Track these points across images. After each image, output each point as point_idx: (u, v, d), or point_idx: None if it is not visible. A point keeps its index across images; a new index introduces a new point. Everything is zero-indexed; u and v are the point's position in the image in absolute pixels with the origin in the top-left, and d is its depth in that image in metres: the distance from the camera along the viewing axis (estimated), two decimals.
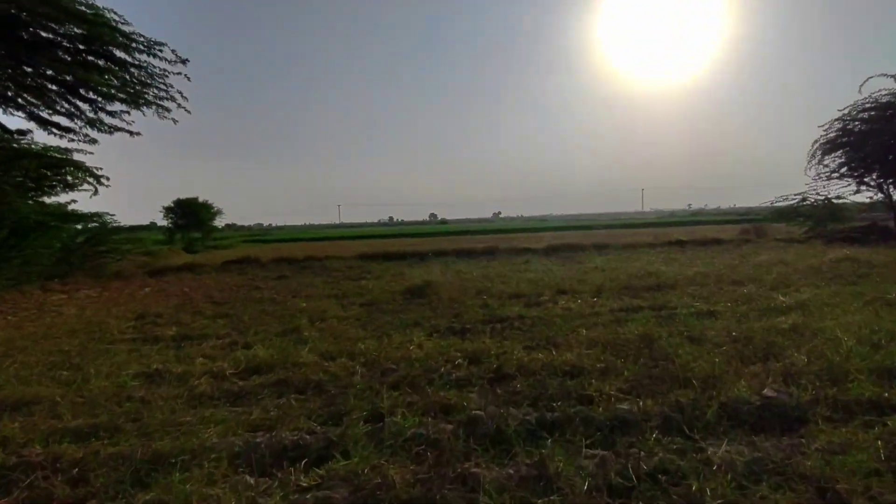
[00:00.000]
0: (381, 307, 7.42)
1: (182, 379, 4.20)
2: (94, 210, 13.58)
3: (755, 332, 4.82)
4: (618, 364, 4.11)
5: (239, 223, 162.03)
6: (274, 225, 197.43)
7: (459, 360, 4.41)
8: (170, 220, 51.92)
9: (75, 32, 8.42)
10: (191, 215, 51.28)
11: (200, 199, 53.03)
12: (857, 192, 18.97)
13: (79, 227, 12.99)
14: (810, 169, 19.98)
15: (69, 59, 8.63)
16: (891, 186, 18.53)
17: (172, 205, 51.85)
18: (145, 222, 51.80)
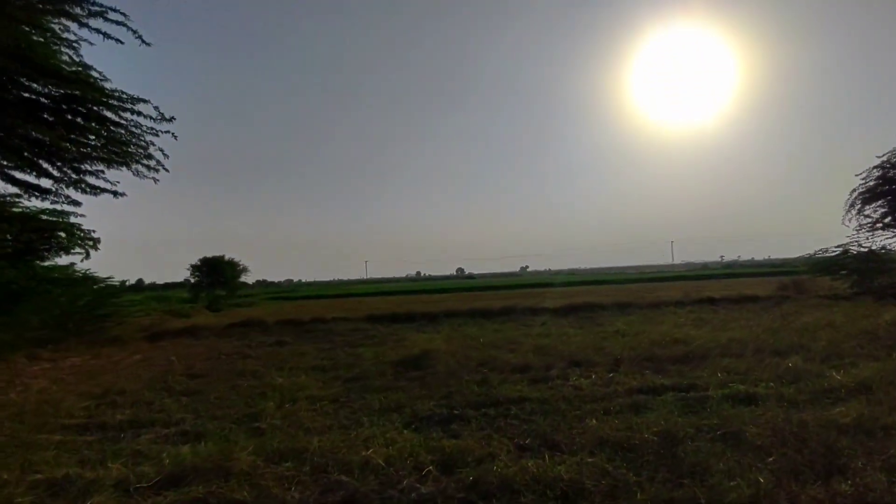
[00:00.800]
0: (366, 383, 6.56)
1: (83, 494, 3.40)
2: (111, 271, 13.26)
3: (809, 430, 3.80)
4: (629, 479, 3.16)
5: (269, 279, 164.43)
6: (304, 280, 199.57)
7: (430, 468, 3.51)
8: (196, 278, 52.82)
9: (53, 91, 8.27)
10: (217, 273, 52.00)
11: (227, 257, 54.06)
12: None
13: (79, 289, 12.61)
14: (850, 220, 18.70)
15: (49, 118, 8.44)
16: None
17: (199, 262, 53.01)
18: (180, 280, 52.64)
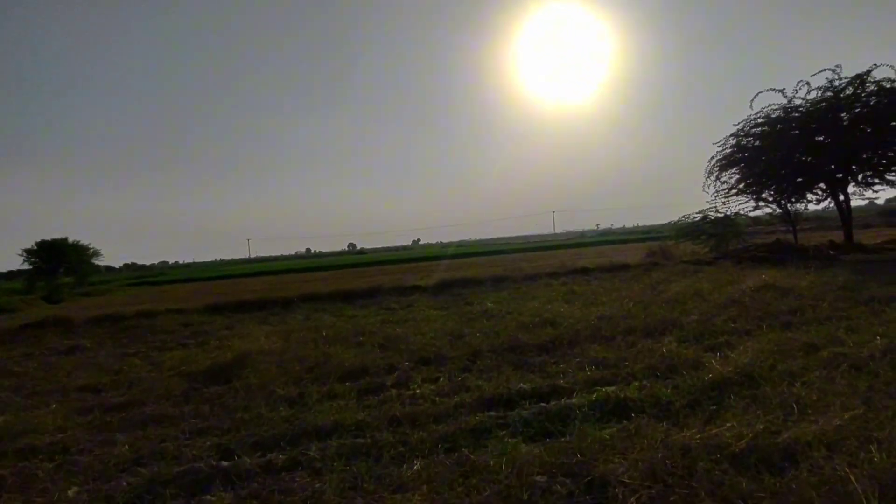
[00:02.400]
0: (136, 412, 4.73)
1: None
2: None
3: (695, 464, 2.73)
4: None
5: (141, 262, 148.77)
6: (181, 262, 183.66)
7: None
8: (33, 265, 45.32)
9: None
10: (59, 258, 44.95)
11: (71, 240, 46.91)
12: (756, 208, 18.60)
13: None
14: (709, 186, 19.52)
15: None
16: (788, 201, 18.28)
17: (35, 247, 45.40)
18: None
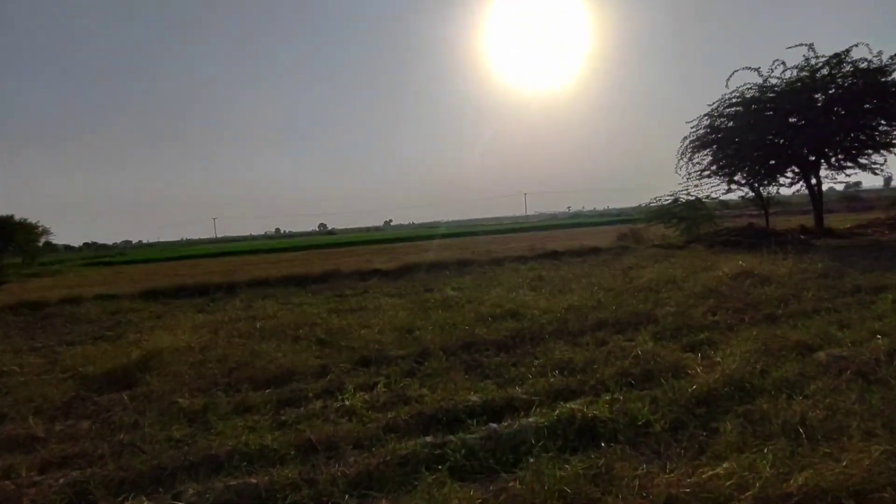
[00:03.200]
0: None
1: None
2: None
3: None
4: None
5: (102, 241, 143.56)
6: (145, 242, 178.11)
7: None
8: None
9: None
10: (5, 238, 42.39)
11: (18, 218, 44.26)
12: (729, 191, 18.22)
13: None
14: (681, 168, 19.05)
15: None
16: (760, 184, 17.95)
17: None
18: None
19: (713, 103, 17.53)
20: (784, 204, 36.39)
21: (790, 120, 16.14)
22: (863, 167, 15.84)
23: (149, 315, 8.90)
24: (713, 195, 18.52)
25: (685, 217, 18.43)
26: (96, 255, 66.02)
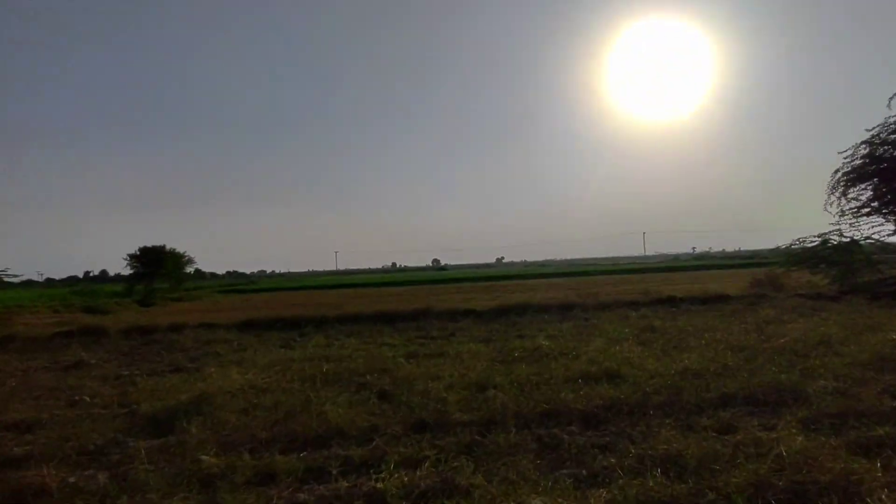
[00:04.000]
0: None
1: None
2: None
3: None
4: None
5: (241, 270, 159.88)
6: (278, 272, 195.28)
7: None
8: (134, 269, 48.83)
9: None
10: (156, 264, 48.07)
11: (168, 247, 50.16)
12: None
13: None
14: (831, 204, 16.25)
15: None
16: None
17: (137, 252, 48.91)
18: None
19: (873, 128, 14.84)
20: None
21: None
22: None
23: (237, 347, 8.92)
24: (875, 236, 15.50)
25: (837, 262, 15.58)
26: (230, 284, 73.06)
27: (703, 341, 7.12)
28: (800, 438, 3.38)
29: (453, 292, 26.63)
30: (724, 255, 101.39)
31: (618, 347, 6.98)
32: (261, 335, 10.31)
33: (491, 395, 4.79)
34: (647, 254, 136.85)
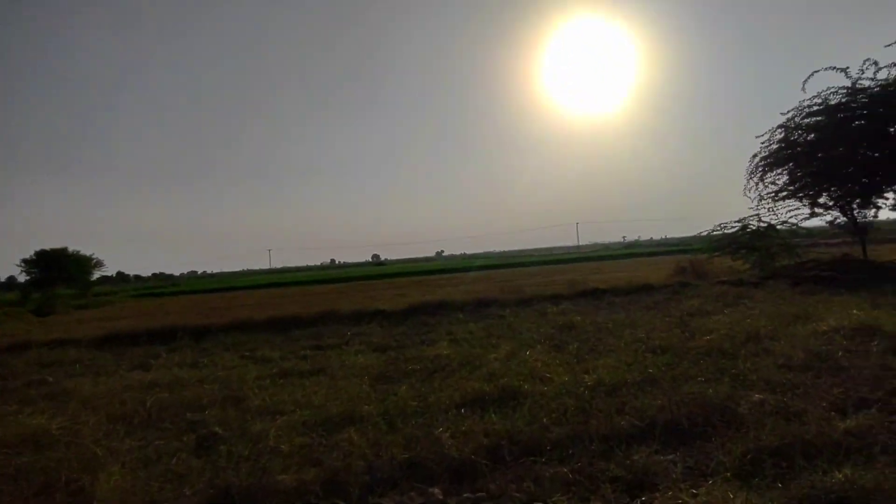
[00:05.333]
0: None
1: None
2: None
3: None
4: None
5: (169, 272, 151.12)
6: (209, 272, 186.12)
7: None
8: (31, 275, 44.25)
9: None
10: (58, 268, 43.68)
11: (71, 249, 45.65)
12: (812, 215, 15.21)
13: None
14: (750, 190, 16.23)
15: None
16: (851, 208, 14.88)
17: (33, 256, 44.21)
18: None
19: (788, 112, 14.79)
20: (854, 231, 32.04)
21: (890, 128, 13.23)
22: None
23: (77, 370, 7.26)
24: (792, 221, 15.55)
25: (757, 247, 15.54)
26: (151, 287, 67.79)
27: (623, 342, 6.23)
28: (745, 496, 2.39)
29: (383, 288, 25.39)
30: (653, 243, 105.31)
31: (528, 353, 5.96)
32: (123, 352, 8.63)
33: (346, 438, 3.59)
34: (580, 244, 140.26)
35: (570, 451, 3.16)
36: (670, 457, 3.00)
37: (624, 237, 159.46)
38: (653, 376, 4.55)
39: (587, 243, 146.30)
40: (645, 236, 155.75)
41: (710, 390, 3.95)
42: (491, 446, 3.27)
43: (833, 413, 3.41)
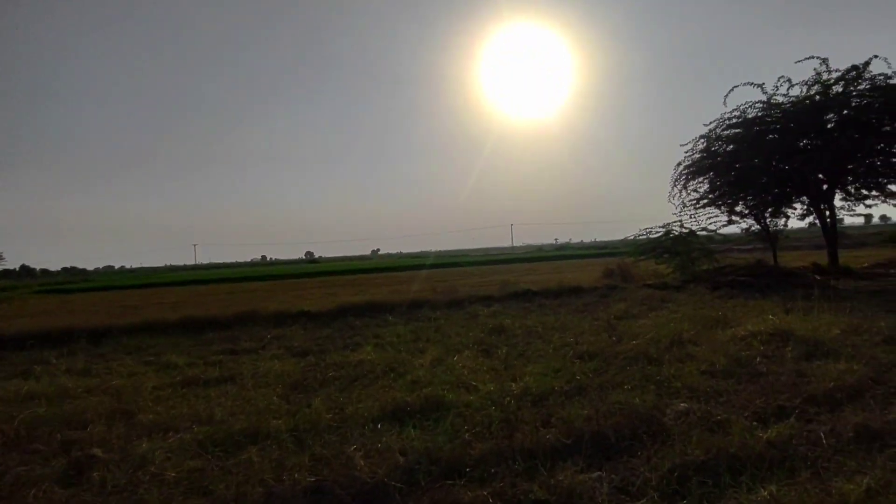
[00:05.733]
0: None
1: None
2: None
3: None
4: None
5: (82, 266, 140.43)
6: (128, 267, 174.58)
7: None
8: None
9: None
10: None
11: None
12: (730, 222, 16.02)
13: None
14: (674, 196, 16.88)
15: None
16: (765, 216, 15.80)
17: None
18: None
19: (710, 123, 15.50)
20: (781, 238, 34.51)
21: (800, 143, 14.12)
22: (890, 195, 13.71)
23: None
24: (711, 227, 16.32)
25: (679, 252, 16.18)
26: (54, 282, 62.26)
27: (552, 346, 6.13)
28: None
29: (313, 287, 24.54)
30: (583, 246, 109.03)
31: (455, 358, 5.72)
32: (4, 357, 7.63)
33: (245, 460, 3.18)
34: (515, 245, 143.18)
35: (493, 471, 2.92)
36: (596, 474, 2.82)
37: (556, 239, 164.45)
38: (580, 384, 4.43)
39: (521, 244, 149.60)
40: (576, 239, 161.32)
41: (637, 399, 3.85)
42: (408, 467, 2.97)
43: (755, 423, 3.37)
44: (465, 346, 6.44)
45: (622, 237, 21.50)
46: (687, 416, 3.53)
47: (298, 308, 10.18)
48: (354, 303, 10.46)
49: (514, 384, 4.50)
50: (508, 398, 4.08)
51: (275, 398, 4.57)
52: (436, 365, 5.50)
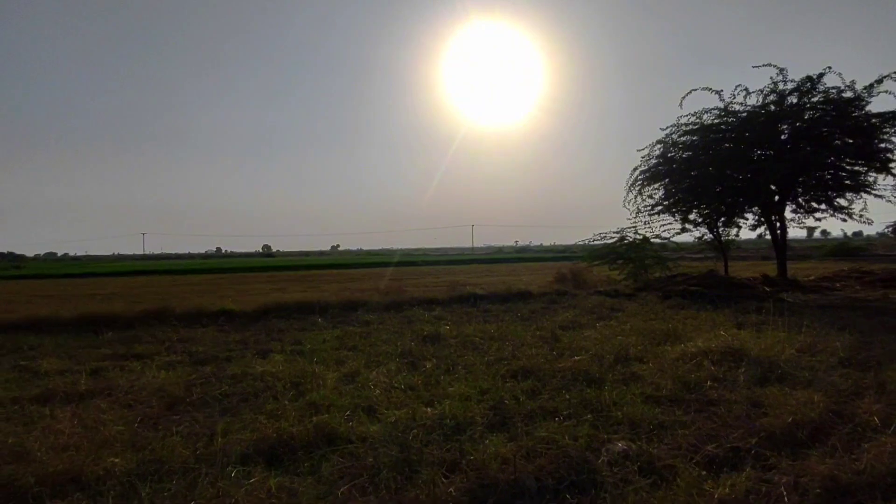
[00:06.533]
0: None
1: None
2: None
3: None
4: None
5: (20, 251, 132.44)
6: (72, 254, 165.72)
7: None
8: None
9: None
10: None
11: None
12: (683, 230, 15.82)
13: None
14: (630, 202, 16.58)
15: None
16: (717, 226, 15.67)
17: None
18: None
19: (666, 128, 15.24)
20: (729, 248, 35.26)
21: (754, 152, 14.00)
22: (838, 209, 13.75)
23: None
24: (665, 235, 16.11)
25: (632, 258, 15.90)
26: None
27: (487, 359, 5.46)
28: None
29: (260, 282, 23.42)
30: (542, 249, 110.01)
31: (373, 373, 4.98)
32: None
33: None
34: (475, 245, 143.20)
35: None
36: None
37: (516, 241, 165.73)
38: (507, 411, 3.75)
39: (481, 245, 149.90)
40: (536, 241, 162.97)
41: (568, 436, 3.19)
42: None
43: (704, 472, 2.76)
44: (390, 358, 5.70)
45: (577, 241, 21.29)
46: (624, 460, 2.90)
47: (219, 307, 9.19)
48: (282, 302, 9.54)
49: (429, 409, 3.79)
50: (416, 430, 3.36)
51: (135, 423, 3.70)
52: (348, 381, 4.74)
